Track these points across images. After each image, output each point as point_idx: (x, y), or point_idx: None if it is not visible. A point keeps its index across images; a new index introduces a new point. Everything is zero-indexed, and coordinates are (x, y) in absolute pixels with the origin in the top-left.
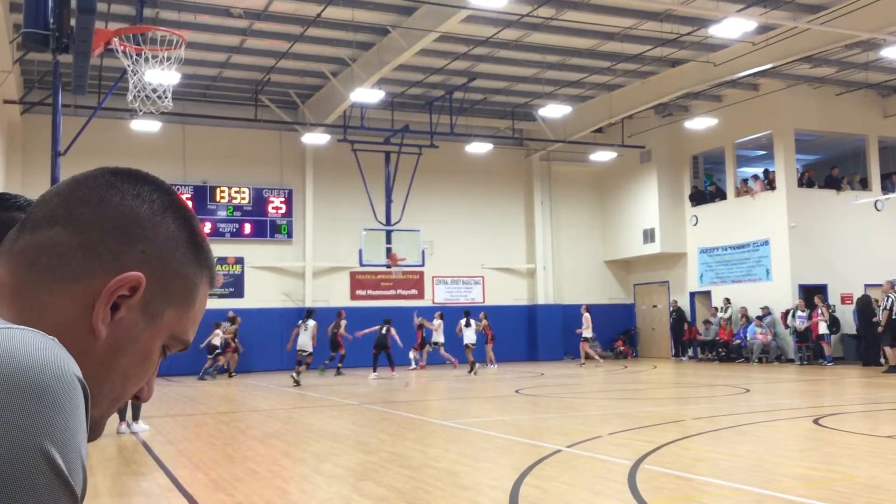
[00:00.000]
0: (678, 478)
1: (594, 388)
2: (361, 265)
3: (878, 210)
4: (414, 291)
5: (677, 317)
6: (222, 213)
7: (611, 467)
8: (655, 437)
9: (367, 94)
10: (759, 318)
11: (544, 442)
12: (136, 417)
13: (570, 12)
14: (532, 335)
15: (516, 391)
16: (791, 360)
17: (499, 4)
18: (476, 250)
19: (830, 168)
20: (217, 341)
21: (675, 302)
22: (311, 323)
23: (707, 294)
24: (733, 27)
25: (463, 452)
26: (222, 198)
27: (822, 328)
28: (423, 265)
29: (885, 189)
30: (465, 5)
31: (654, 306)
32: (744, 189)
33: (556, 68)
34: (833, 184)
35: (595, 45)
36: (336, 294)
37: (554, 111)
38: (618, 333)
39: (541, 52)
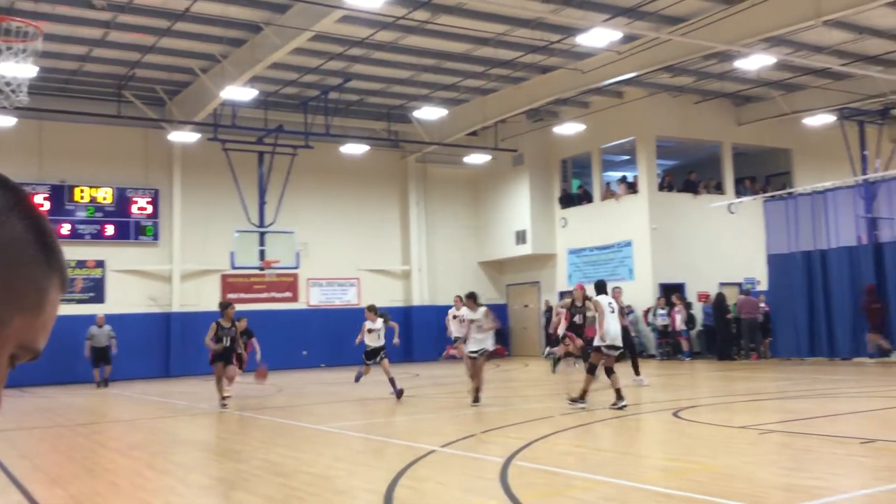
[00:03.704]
0: (548, 473)
1: (468, 388)
2: (233, 268)
3: (731, 213)
4: (288, 294)
5: (551, 316)
6: (82, 214)
7: (483, 465)
8: (526, 434)
9: (239, 92)
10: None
11: (419, 443)
12: None
13: (444, 16)
14: (407, 336)
15: (391, 392)
16: (652, 356)
17: (374, 6)
18: (351, 252)
19: (688, 173)
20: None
21: (548, 301)
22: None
23: None
24: (600, 36)
25: (337, 457)
26: (82, 198)
27: (680, 325)
28: (297, 267)
29: (738, 193)
30: (340, 5)
31: (526, 306)
32: (609, 192)
33: (432, 71)
34: (691, 188)
35: (469, 49)
36: (206, 298)
37: (429, 113)
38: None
39: (416, 55)
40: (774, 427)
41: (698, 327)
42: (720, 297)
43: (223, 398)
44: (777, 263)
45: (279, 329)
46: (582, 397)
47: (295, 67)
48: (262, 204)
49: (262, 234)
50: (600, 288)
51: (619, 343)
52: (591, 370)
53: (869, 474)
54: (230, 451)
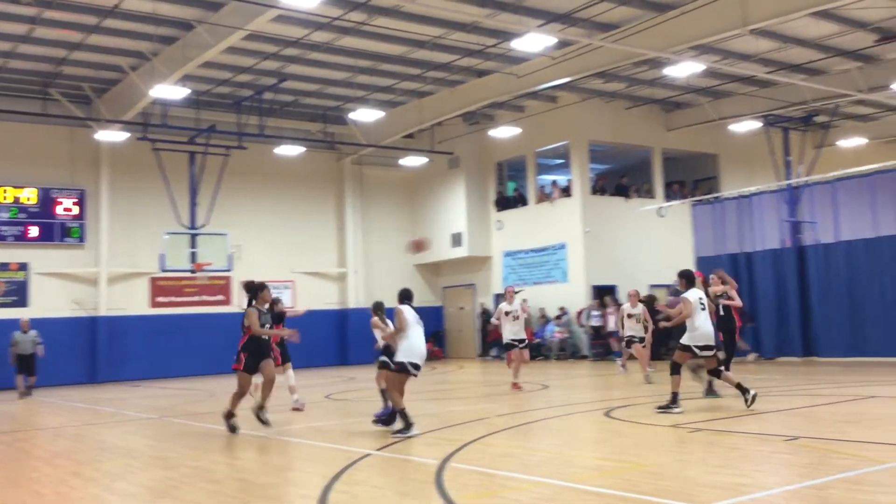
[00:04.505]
0: (482, 474)
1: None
2: (163, 270)
3: (661, 216)
4: (220, 297)
5: (486, 318)
6: (4, 215)
7: (419, 468)
8: (462, 436)
9: (170, 91)
10: (557, 317)
11: (354, 447)
12: None
13: (381, 18)
14: (342, 339)
15: (326, 396)
16: (585, 357)
17: (310, 6)
18: (286, 254)
19: (620, 177)
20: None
21: (483, 304)
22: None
23: None
24: (534, 42)
25: (271, 462)
26: (4, 198)
27: (612, 326)
28: (230, 270)
29: (668, 197)
30: (275, 5)
31: (461, 308)
32: (543, 196)
33: (368, 73)
34: (622, 192)
35: (406, 51)
36: (134, 301)
37: (365, 115)
38: (427, 336)
39: (352, 57)
40: (702, 425)
41: None
42: (650, 299)
43: (231, 415)
44: (705, 265)
45: (211, 333)
46: (673, 401)
47: (228, 66)
48: (193, 205)
49: (193, 236)
50: (690, 280)
51: (712, 342)
52: (675, 369)
53: (792, 471)
54: (158, 458)
